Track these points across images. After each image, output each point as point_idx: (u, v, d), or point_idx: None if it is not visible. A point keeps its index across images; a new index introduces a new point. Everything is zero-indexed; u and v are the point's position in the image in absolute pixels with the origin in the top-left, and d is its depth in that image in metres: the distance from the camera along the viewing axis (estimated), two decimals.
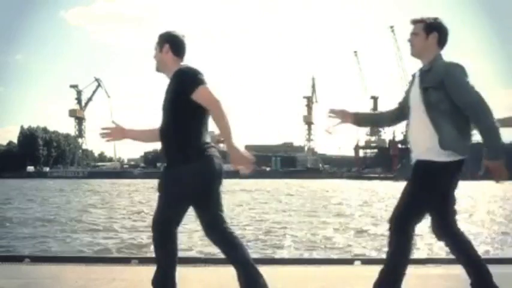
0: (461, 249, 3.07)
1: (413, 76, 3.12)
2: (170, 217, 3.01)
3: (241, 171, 2.95)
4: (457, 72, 2.89)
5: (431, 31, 3.01)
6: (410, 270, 4.07)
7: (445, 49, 3.07)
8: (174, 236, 3.06)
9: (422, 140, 2.97)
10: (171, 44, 3.12)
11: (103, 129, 3.36)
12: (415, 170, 3.00)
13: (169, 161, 3.05)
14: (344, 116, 3.33)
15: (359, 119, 3.38)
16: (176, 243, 3.08)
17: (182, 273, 3.96)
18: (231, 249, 3.04)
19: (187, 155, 2.95)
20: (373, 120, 3.52)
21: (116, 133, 3.38)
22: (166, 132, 3.05)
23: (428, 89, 2.93)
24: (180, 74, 3.01)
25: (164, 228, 3.01)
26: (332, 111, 3.34)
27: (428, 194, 2.94)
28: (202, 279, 3.98)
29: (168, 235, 3.03)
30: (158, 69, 3.18)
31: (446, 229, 3.07)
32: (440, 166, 2.90)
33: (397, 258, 2.99)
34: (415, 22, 3.06)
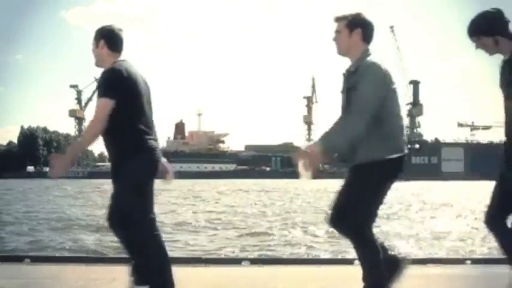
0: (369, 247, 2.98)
1: (344, 76, 3.06)
2: (136, 213, 3.05)
3: (49, 174, 3.01)
4: (372, 76, 2.83)
5: (355, 27, 2.96)
6: (411, 270, 4.07)
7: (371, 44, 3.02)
8: (156, 228, 3.11)
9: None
10: (106, 39, 3.17)
11: None
12: (352, 172, 3.01)
13: (110, 158, 3.14)
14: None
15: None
16: (161, 236, 3.12)
17: (182, 273, 3.96)
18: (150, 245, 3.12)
19: (122, 151, 3.04)
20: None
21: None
22: (104, 132, 3.10)
23: (350, 90, 2.90)
24: (101, 76, 3.08)
25: (142, 226, 3.06)
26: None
27: (368, 192, 2.92)
28: (202, 279, 3.97)
29: (148, 230, 3.07)
30: (97, 64, 3.24)
31: (364, 225, 2.97)
32: (374, 165, 2.87)
33: (369, 260, 2.95)
34: (337, 20, 3.01)
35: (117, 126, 3.03)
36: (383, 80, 2.85)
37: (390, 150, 2.88)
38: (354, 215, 2.90)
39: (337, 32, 3.00)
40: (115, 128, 3.03)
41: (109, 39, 3.16)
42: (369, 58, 2.92)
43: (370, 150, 2.87)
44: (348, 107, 2.90)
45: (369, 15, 3.03)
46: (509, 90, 2.91)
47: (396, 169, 2.92)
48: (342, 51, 3.01)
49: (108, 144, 3.12)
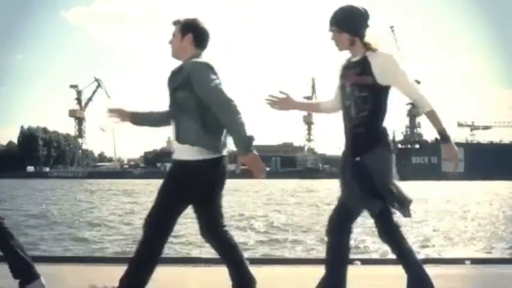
0: (227, 252, 3.02)
1: (170, 76, 3.08)
2: None
3: None
4: (203, 71, 2.88)
5: (186, 32, 3.02)
6: None
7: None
8: None
9: (175, 140, 2.98)
10: None
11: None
12: (169, 170, 3.03)
13: None
14: (122, 114, 3.28)
15: (136, 119, 3.34)
16: None
17: (182, 273, 3.96)
18: None
19: None
20: (149, 121, 3.39)
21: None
22: None
23: (176, 89, 2.94)
24: None
25: None
26: (110, 110, 3.27)
27: (180, 193, 2.91)
28: (202, 279, 3.98)
29: None
30: None
31: (212, 232, 3.00)
32: (193, 165, 2.88)
33: (148, 257, 2.99)
34: (174, 23, 3.08)
35: None
36: (216, 76, 2.90)
37: (212, 149, 2.89)
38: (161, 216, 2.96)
39: (173, 35, 3.07)
40: None
41: None
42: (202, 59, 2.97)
43: (194, 150, 2.88)
44: (174, 106, 2.96)
45: (205, 22, 3.07)
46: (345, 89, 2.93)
47: (218, 170, 2.93)
48: (174, 55, 3.09)
49: None
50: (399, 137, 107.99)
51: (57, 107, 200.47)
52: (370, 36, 2.90)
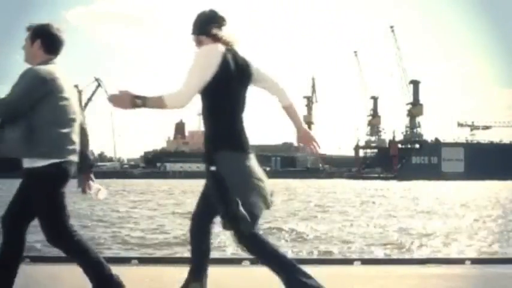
0: (82, 254, 3.02)
1: None
2: None
3: None
4: (24, 77, 2.91)
5: (36, 38, 3.04)
6: (411, 270, 4.08)
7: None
8: None
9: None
10: None
11: None
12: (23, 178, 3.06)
13: None
14: None
15: None
16: None
17: (183, 273, 3.96)
18: None
19: None
20: None
21: None
22: None
23: None
24: None
25: None
26: None
27: (36, 200, 2.96)
28: None
29: None
30: None
31: (59, 236, 3.01)
32: (34, 172, 2.93)
33: (9, 256, 3.00)
34: (27, 29, 3.09)
35: None
36: (36, 85, 2.90)
37: (40, 156, 2.91)
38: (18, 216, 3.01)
39: (25, 40, 3.09)
40: None
41: None
42: (43, 66, 2.97)
43: (24, 155, 2.93)
44: None
45: (57, 27, 3.10)
46: None
47: (54, 175, 2.95)
48: (26, 60, 3.10)
49: None
50: (399, 137, 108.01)
51: None
52: (221, 33, 2.93)
